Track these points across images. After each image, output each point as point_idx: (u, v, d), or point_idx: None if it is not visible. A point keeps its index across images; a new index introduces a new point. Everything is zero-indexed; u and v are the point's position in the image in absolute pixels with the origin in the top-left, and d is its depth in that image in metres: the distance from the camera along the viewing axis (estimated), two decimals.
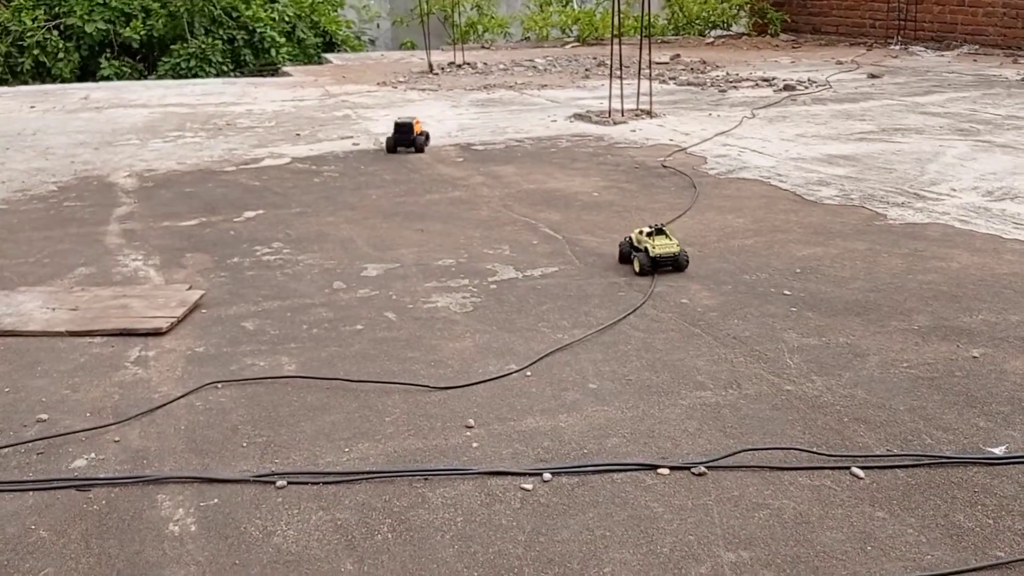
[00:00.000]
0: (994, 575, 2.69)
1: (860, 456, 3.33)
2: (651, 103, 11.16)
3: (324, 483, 3.24)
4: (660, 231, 5.31)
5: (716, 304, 4.87)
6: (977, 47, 17.58)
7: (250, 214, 6.94)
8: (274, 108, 12.44)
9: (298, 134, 10.34)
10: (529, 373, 4.10)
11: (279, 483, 3.22)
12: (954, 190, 7.10)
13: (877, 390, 3.84)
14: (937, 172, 7.71)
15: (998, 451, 3.33)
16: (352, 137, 10.03)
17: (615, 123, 10.49)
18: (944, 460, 3.29)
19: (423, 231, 6.37)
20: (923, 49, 18.03)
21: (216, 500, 3.14)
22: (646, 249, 5.28)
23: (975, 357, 4.13)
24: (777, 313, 4.72)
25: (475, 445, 3.48)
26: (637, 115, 10.84)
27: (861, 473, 3.22)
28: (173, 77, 17.60)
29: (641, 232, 5.40)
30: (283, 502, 3.13)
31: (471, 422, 3.65)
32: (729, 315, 4.71)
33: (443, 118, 11.30)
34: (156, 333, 4.56)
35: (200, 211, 7.06)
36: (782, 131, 9.74)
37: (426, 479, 3.26)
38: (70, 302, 4.96)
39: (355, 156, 9.08)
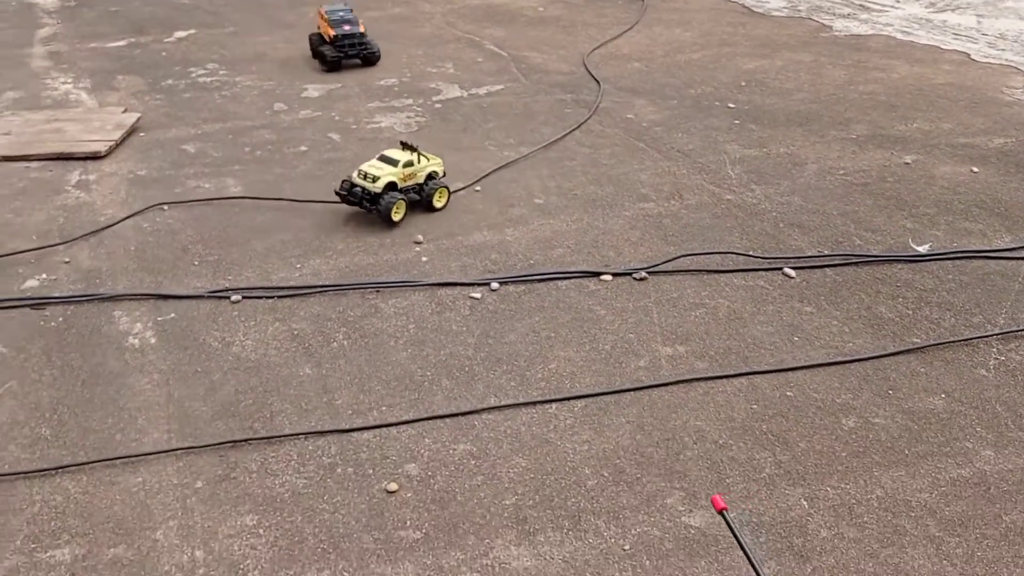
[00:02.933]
0: (909, 359, 2.91)
1: (792, 258, 3.49)
2: None
3: (278, 297, 3.31)
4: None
5: (661, 119, 4.89)
6: None
7: (181, 34, 6.64)
8: None
9: None
10: (478, 188, 4.14)
11: (234, 298, 3.29)
12: (898, 1, 7.05)
13: (813, 197, 3.97)
14: None
15: (922, 249, 3.52)
16: None
17: None
18: (871, 259, 3.47)
19: None
20: None
21: (173, 315, 3.21)
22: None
23: (907, 163, 4.27)
24: (721, 126, 4.77)
25: (424, 259, 3.56)
26: None
27: (792, 273, 3.39)
28: None
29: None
30: (239, 315, 3.21)
31: (420, 238, 3.71)
32: (674, 129, 4.75)
33: None
34: (95, 157, 4.47)
35: (128, 31, 6.73)
36: None
37: (378, 291, 3.35)
38: (1, 127, 4.79)
39: None
